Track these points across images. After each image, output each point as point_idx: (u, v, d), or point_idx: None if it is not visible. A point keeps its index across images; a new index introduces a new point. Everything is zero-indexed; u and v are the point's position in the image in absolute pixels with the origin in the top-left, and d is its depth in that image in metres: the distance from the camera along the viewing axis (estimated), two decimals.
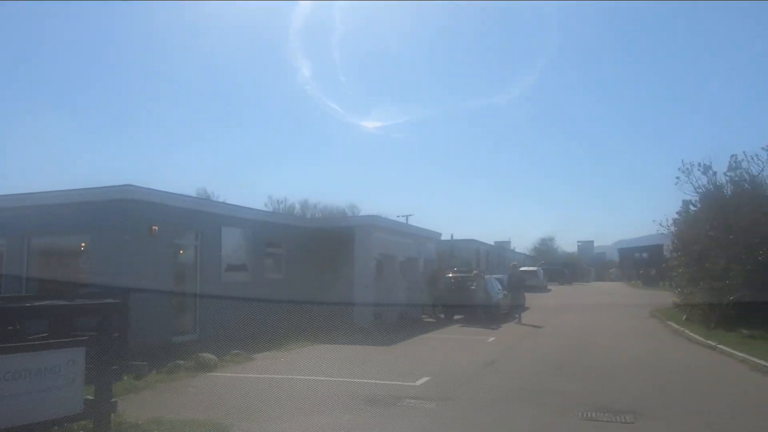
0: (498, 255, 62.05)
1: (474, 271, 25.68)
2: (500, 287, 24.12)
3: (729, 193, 18.23)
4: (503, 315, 22.53)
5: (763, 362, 10.94)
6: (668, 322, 21.25)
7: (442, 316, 23.34)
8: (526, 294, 38.11)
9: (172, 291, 14.35)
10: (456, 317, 22.89)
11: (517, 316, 22.88)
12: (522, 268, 46.94)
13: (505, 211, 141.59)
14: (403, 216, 54.11)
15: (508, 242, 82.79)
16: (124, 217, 13.34)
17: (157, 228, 13.83)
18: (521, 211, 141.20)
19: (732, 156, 17.26)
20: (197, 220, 15.40)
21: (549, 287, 46.40)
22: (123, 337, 12.94)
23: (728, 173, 18.52)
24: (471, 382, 9.88)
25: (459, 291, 23.01)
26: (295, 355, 13.43)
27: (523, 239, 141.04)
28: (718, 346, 13.66)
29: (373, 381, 9.94)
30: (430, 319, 23.45)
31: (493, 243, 68.33)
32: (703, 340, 14.95)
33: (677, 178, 19.77)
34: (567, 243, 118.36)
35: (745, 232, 17.15)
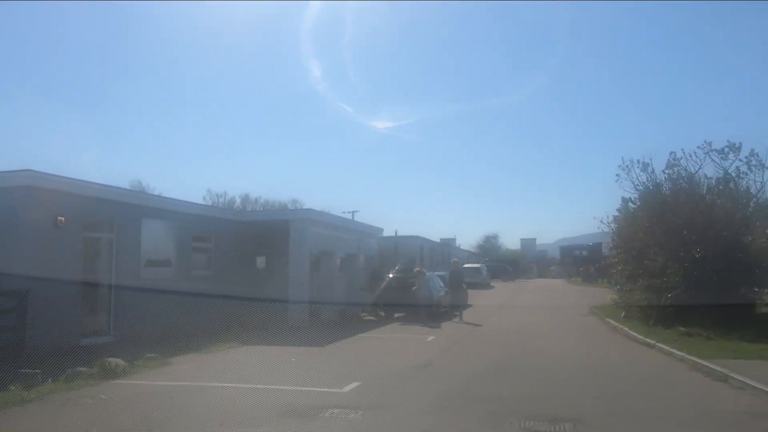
0: (442, 252, 62.10)
1: (416, 269, 25.05)
2: (442, 284, 23.61)
3: (667, 190, 18.24)
4: (444, 313, 22.02)
5: (701, 361, 10.68)
6: (607, 319, 21.24)
7: (383, 314, 22.63)
8: (469, 291, 38.33)
9: (82, 289, 13.01)
10: (396, 315, 22.23)
11: (458, 314, 22.44)
12: (465, 265, 47.05)
13: (451, 209, 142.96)
14: (348, 212, 53.35)
15: (454, 239, 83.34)
16: (24, 206, 11.93)
17: (63, 219, 12.47)
18: (467, 209, 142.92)
19: (671, 153, 17.30)
20: (113, 211, 14.06)
21: (492, 284, 46.59)
22: (18, 340, 11.67)
23: (666, 171, 18.56)
24: (403, 387, 9.14)
25: (400, 289, 22.34)
26: (217, 358, 12.37)
27: (468, 236, 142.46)
28: (657, 344, 13.46)
29: (298, 388, 9.07)
30: (370, 318, 22.70)
31: (438, 240, 68.56)
32: (642, 338, 14.79)
33: (617, 175, 19.73)
34: (510, 240, 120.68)
35: (683, 230, 17.17)
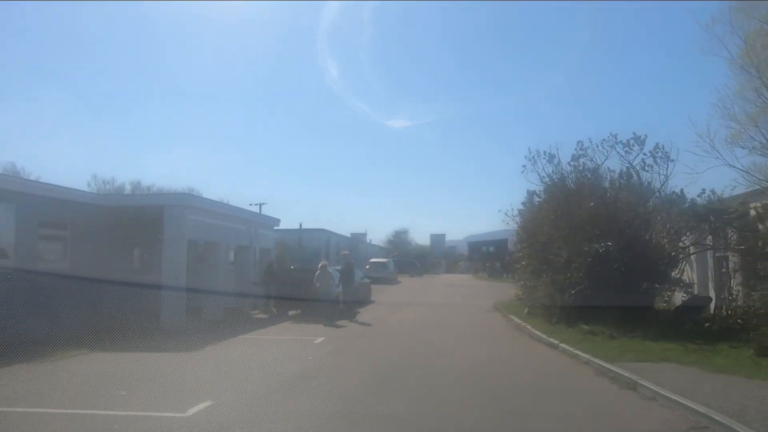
0: (351, 246, 60.74)
1: (321, 263, 23.45)
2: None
3: (572, 183, 17.65)
4: (343, 310, 20.45)
5: (608, 366, 9.76)
6: (510, 316, 20.57)
7: (275, 311, 20.72)
8: (375, 287, 37.06)
9: None
10: (292, 313, 20.43)
11: (358, 311, 21.04)
12: (372, 260, 45.94)
13: (364, 204, 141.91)
14: (255, 204, 50.55)
15: (365, 234, 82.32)
16: None
17: None
18: (380, 204, 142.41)
19: (578, 143, 16.65)
20: None
21: (399, 279, 45.69)
22: None
23: (572, 163, 17.95)
24: (267, 407, 7.41)
25: (296, 284, 20.51)
26: (51, 370, 10.06)
27: (381, 232, 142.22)
28: (561, 344, 12.58)
29: (134, 413, 7.11)
30: (262, 315, 20.72)
31: (348, 235, 67.12)
32: (545, 337, 13.92)
33: (523, 166, 18.96)
34: (421, 236, 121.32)
35: (586, 224, 16.59)
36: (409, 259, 58.97)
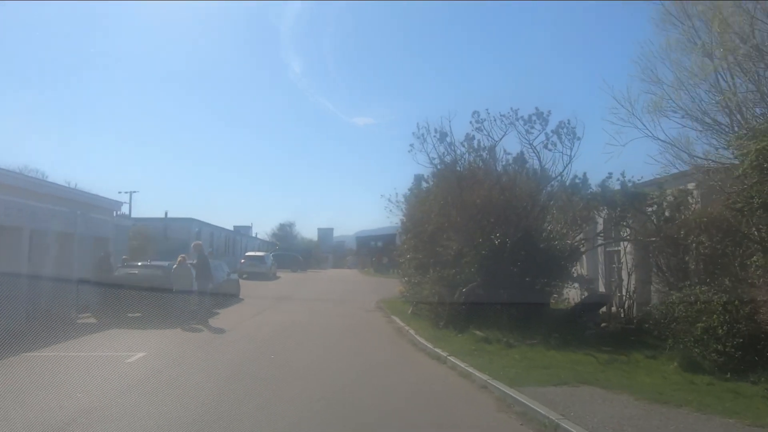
0: (235, 240, 56.13)
1: (180, 256, 19.55)
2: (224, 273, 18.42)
3: (466, 165, 15.29)
4: (198, 312, 16.79)
5: (512, 392, 7.20)
6: (393, 316, 18.04)
7: (110, 314, 16.58)
8: (251, 283, 33.26)
9: None
10: (131, 315, 16.41)
11: (217, 312, 17.52)
12: (248, 253, 41.92)
13: (250, 196, 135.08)
14: (125, 192, 44.66)
15: (249, 227, 77.38)
16: None
17: None
18: (266, 196, 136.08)
19: (474, 113, 14.14)
20: None
21: (279, 275, 41.97)
22: None
23: (465, 143, 15.54)
24: None
25: (140, 280, 16.49)
26: None
27: (268, 225, 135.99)
28: (450, 358, 9.98)
29: None
30: (91, 320, 16.51)
31: (231, 228, 62.22)
32: (431, 347, 11.30)
33: (411, 145, 16.29)
34: (308, 230, 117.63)
35: (480, 212, 14.32)
36: (291, 254, 55.26)
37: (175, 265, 17.04)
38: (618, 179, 12.76)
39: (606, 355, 10.00)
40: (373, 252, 78.72)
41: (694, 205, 11.31)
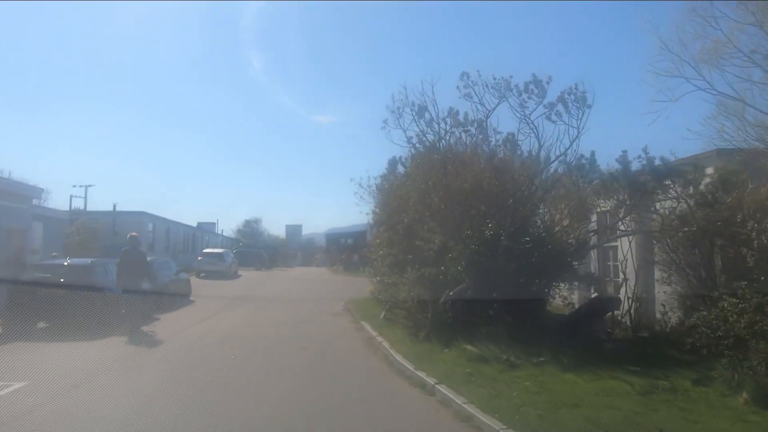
0: (191, 236, 52.73)
1: (124, 249, 16.59)
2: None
3: (450, 143, 12.78)
4: (129, 317, 13.96)
5: None
6: (363, 322, 15.50)
7: (15, 323, 13.58)
8: (208, 282, 30.31)
9: None
10: (41, 325, 13.49)
11: (156, 318, 14.73)
12: (206, 250, 38.84)
13: (216, 193, 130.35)
14: (80, 186, 41.23)
15: (213, 224, 73.72)
16: None
17: None
18: (232, 193, 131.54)
19: (463, 75, 11.49)
20: None
21: (240, 273, 38.98)
22: None
23: (448, 118, 13.01)
24: None
25: (55, 281, 13.54)
26: None
27: (233, 222, 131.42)
28: (439, 387, 7.45)
29: None
30: None
31: (194, 224, 58.72)
32: (412, 369, 8.75)
33: (384, 122, 13.72)
34: (276, 227, 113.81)
35: (468, 198, 11.87)
36: (255, 250, 52.20)
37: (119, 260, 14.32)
38: (639, 157, 10.40)
39: (640, 380, 7.65)
40: (344, 249, 76.14)
41: (744, 187, 9.02)
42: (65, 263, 14.31)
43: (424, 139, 13.47)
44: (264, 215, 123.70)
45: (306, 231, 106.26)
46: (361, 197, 16.54)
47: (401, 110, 13.21)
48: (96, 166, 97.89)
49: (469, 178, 11.83)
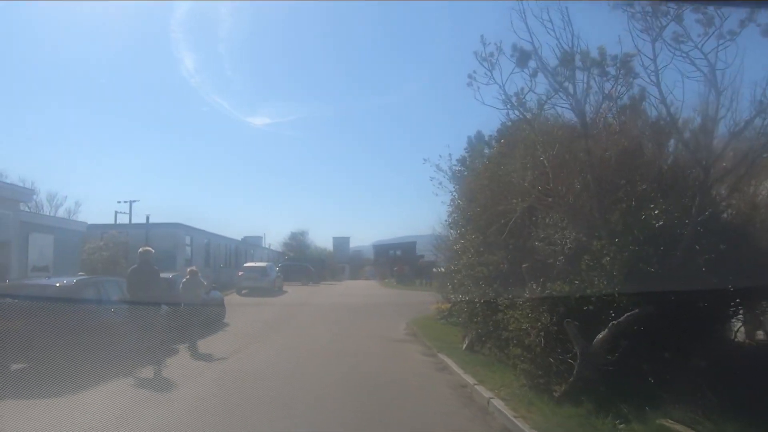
0: (234, 249, 49.79)
1: (190, 268, 14.36)
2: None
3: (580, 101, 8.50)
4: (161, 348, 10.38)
5: None
6: (441, 355, 11.47)
7: None
8: (249, 300, 26.82)
9: None
10: (16, 366, 9.89)
11: (176, 348, 11.13)
12: (247, 264, 35.41)
13: (262, 207, 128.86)
14: (125, 201, 39.45)
15: (260, 237, 71.03)
16: None
17: None
18: (279, 207, 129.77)
19: None
20: None
21: (286, 289, 35.43)
22: None
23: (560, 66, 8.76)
24: None
25: (25, 308, 9.97)
26: None
27: (280, 236, 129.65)
28: None
29: None
30: None
31: (241, 238, 55.95)
32: None
33: (470, 76, 9.63)
34: (323, 239, 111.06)
35: (615, 173, 7.67)
36: (301, 264, 48.67)
37: (184, 279, 13.28)
38: None
39: None
40: (393, 261, 72.38)
41: None
42: (39, 283, 10.79)
43: (523, 100, 9.33)
44: (310, 228, 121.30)
45: (352, 243, 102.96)
46: (439, 183, 12.44)
47: (495, 58, 9.15)
48: (137, 181, 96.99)
49: (616, 147, 7.60)
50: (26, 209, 19.18)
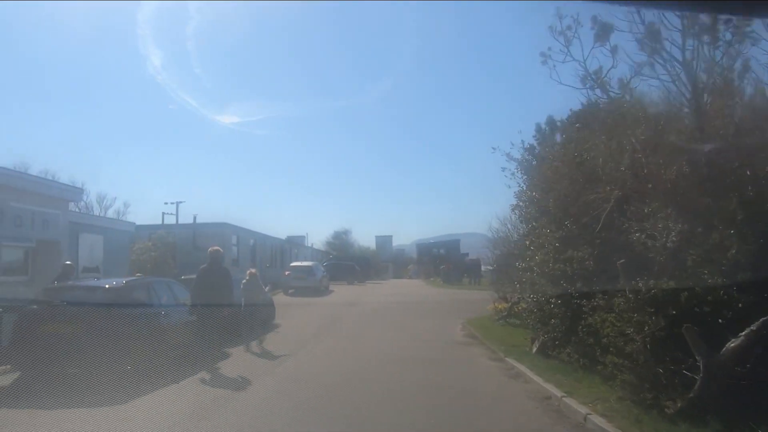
0: (279, 249, 49.76)
1: (250, 270, 14.19)
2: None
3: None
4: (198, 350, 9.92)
5: None
6: (509, 359, 10.60)
7: (39, 366, 9.66)
8: (299, 300, 26.36)
9: None
10: (71, 370, 9.45)
11: (228, 352, 10.63)
12: (294, 264, 35.08)
13: (304, 207, 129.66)
14: (171, 203, 39.94)
15: (303, 237, 71.08)
16: None
17: None
18: (321, 207, 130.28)
19: None
20: None
21: (332, 288, 34.93)
22: None
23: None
24: None
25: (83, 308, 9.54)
26: None
27: (322, 234, 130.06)
28: None
29: None
30: (6, 378, 9.72)
31: (285, 237, 56.00)
32: None
33: (544, 54, 8.77)
34: (365, 238, 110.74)
35: (727, 154, 6.63)
36: (346, 263, 48.11)
37: (244, 280, 13.19)
38: None
39: None
40: (436, 260, 71.43)
41: None
42: (87, 285, 10.38)
43: (604, 78, 8.37)
44: (353, 226, 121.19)
45: (393, 242, 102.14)
46: (512, 174, 11.50)
47: (574, 31, 8.24)
48: (182, 183, 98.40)
49: (733, 123, 6.57)
50: (76, 210, 19.11)
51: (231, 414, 7.01)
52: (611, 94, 7.96)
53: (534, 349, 11.13)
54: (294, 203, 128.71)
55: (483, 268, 42.46)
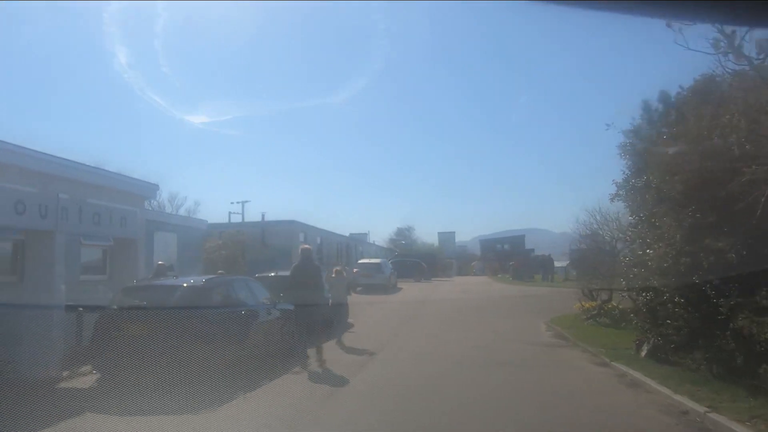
0: (344, 246, 49.60)
1: (336, 268, 15.19)
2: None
3: None
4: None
5: None
6: (617, 364, 9.53)
7: (120, 369, 9.35)
8: (366, 297, 25.77)
9: None
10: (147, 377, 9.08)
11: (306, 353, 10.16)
12: (362, 261, 34.57)
13: (365, 204, 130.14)
14: (237, 202, 40.58)
15: (366, 234, 70.95)
16: None
17: None
18: (380, 205, 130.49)
19: None
20: None
21: (400, 285, 34.20)
22: None
23: None
24: None
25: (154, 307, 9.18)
26: None
27: (383, 232, 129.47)
28: None
29: None
30: (88, 380, 9.49)
31: (347, 234, 55.92)
32: None
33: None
34: (427, 234, 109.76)
35: None
36: (412, 260, 47.22)
37: (333, 276, 14.31)
38: None
39: None
40: (500, 255, 69.79)
41: None
42: (166, 284, 10.01)
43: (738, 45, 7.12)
44: (415, 223, 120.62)
45: (456, 239, 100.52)
46: (623, 152, 10.30)
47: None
48: (249, 182, 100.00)
49: None
50: (149, 208, 19.19)
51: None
52: (754, 59, 6.75)
53: (643, 353, 10.00)
54: (354, 200, 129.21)
55: (556, 264, 40.83)
